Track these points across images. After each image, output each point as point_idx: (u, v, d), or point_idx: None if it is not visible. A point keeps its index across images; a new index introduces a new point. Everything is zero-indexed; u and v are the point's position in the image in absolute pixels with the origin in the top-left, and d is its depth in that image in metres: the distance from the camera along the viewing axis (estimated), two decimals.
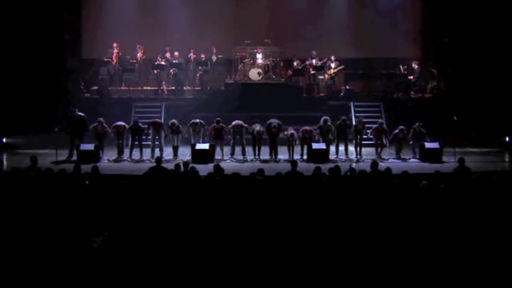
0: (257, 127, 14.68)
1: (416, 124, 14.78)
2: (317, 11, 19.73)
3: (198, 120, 15.03)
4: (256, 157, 14.74)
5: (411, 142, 14.84)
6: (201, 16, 19.52)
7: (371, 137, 15.21)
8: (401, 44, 19.25)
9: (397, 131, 14.78)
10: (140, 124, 14.88)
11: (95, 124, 14.75)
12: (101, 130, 14.69)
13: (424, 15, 19.94)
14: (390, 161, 14.40)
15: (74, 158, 14.36)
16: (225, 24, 19.41)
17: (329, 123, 14.95)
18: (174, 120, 14.88)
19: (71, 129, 14.77)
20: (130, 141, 14.88)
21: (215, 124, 14.76)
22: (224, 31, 19.38)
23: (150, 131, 14.93)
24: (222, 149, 14.88)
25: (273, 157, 14.76)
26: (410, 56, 19.27)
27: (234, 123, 14.87)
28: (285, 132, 14.78)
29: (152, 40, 19.18)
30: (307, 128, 14.82)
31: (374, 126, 15.15)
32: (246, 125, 14.87)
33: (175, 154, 14.85)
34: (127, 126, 14.95)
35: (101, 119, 14.82)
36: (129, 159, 14.77)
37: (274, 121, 14.80)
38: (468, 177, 10.16)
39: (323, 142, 14.87)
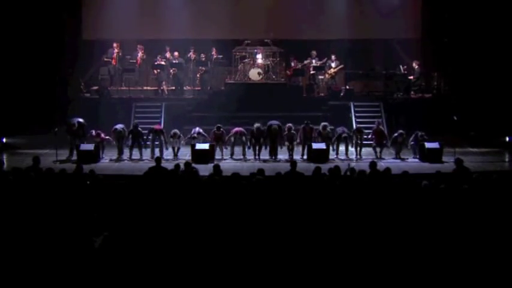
0: (256, 124, 14.66)
1: (419, 134, 14.71)
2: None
3: (196, 135, 14.96)
4: (257, 157, 14.74)
5: (412, 143, 14.81)
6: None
7: (371, 140, 15.18)
8: (401, 24, 19.47)
9: (396, 134, 14.78)
10: (140, 129, 14.84)
11: (94, 135, 14.72)
12: (100, 141, 14.70)
13: (424, 15, 19.97)
14: (390, 161, 14.38)
15: (74, 157, 14.36)
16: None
17: (328, 129, 14.94)
18: (175, 130, 14.83)
19: (71, 132, 14.77)
20: (131, 142, 14.87)
21: (215, 130, 14.78)
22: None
23: (149, 137, 14.95)
24: (221, 150, 14.89)
25: (273, 157, 14.76)
26: (410, 36, 19.46)
27: (235, 130, 14.85)
28: (284, 133, 14.78)
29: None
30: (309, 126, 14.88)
31: (372, 127, 15.11)
32: (246, 133, 14.85)
33: (176, 154, 14.84)
34: (126, 130, 14.93)
35: (100, 131, 14.81)
36: (128, 159, 14.76)
37: (274, 122, 14.82)
38: (467, 177, 10.16)
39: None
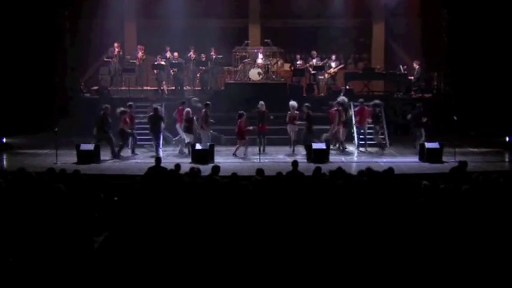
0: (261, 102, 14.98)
1: (417, 105, 15.12)
2: None
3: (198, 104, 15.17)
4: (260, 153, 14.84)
5: (411, 121, 15.06)
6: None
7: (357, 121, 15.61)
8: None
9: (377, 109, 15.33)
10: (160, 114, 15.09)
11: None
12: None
13: (424, 14, 19.99)
14: (390, 161, 14.34)
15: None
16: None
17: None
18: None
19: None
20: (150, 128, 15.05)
21: (240, 119, 14.75)
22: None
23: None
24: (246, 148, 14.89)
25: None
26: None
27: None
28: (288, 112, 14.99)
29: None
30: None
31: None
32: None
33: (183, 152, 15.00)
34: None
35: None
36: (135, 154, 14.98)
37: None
38: (465, 177, 10.16)
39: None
